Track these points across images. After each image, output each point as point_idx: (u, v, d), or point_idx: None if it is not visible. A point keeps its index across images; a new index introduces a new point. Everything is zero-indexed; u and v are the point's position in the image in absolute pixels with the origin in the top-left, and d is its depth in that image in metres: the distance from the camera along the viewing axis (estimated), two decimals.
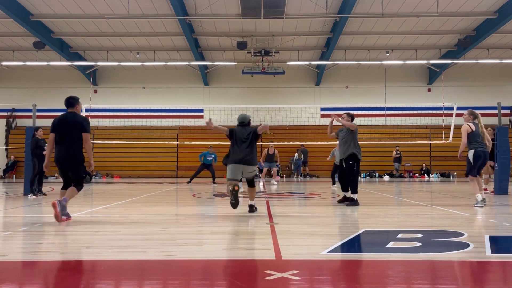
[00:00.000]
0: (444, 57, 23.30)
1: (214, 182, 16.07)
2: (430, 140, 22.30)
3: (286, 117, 22.76)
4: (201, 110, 24.93)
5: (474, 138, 7.69)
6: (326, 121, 23.51)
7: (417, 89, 25.70)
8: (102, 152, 24.21)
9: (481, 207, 7.42)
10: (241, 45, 19.74)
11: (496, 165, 10.78)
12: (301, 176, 22.70)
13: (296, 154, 22.92)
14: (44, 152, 10.48)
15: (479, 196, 7.62)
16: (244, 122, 6.94)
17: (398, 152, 22.50)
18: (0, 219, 6.49)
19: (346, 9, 17.09)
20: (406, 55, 23.07)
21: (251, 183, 6.97)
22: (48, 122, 25.99)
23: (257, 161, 6.94)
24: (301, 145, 22.66)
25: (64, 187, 6.02)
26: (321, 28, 19.88)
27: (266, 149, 16.44)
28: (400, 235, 4.72)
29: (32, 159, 10.32)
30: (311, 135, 22.78)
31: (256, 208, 6.87)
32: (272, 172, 16.99)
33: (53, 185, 15.37)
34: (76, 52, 22.94)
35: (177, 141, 23.19)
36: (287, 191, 12.52)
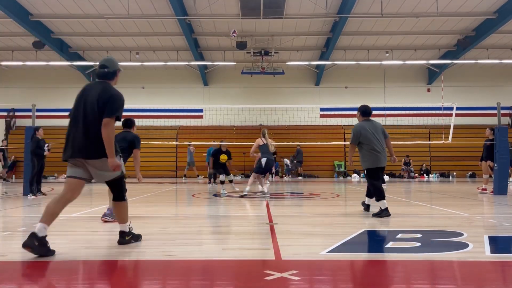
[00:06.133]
0: (443, 57, 23.30)
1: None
2: (429, 140, 22.29)
3: (285, 117, 22.76)
4: (201, 110, 24.92)
5: (264, 149, 9.80)
6: (325, 121, 23.95)
7: (417, 89, 25.69)
8: None
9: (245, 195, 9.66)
10: (241, 45, 19.72)
11: (495, 165, 10.79)
12: (288, 176, 22.51)
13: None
14: (45, 153, 10.49)
15: (248, 188, 9.96)
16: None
17: (408, 159, 22.56)
18: (0, 219, 6.49)
19: (345, 9, 17.08)
20: (406, 55, 23.07)
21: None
22: (48, 122, 25.65)
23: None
24: (297, 145, 22.60)
25: None
26: (321, 28, 19.87)
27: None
28: (399, 235, 4.73)
29: (31, 159, 10.31)
30: (310, 135, 22.78)
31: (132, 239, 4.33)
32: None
33: (52, 185, 15.35)
34: (76, 52, 22.92)
35: (176, 141, 23.16)
36: (286, 191, 12.52)
